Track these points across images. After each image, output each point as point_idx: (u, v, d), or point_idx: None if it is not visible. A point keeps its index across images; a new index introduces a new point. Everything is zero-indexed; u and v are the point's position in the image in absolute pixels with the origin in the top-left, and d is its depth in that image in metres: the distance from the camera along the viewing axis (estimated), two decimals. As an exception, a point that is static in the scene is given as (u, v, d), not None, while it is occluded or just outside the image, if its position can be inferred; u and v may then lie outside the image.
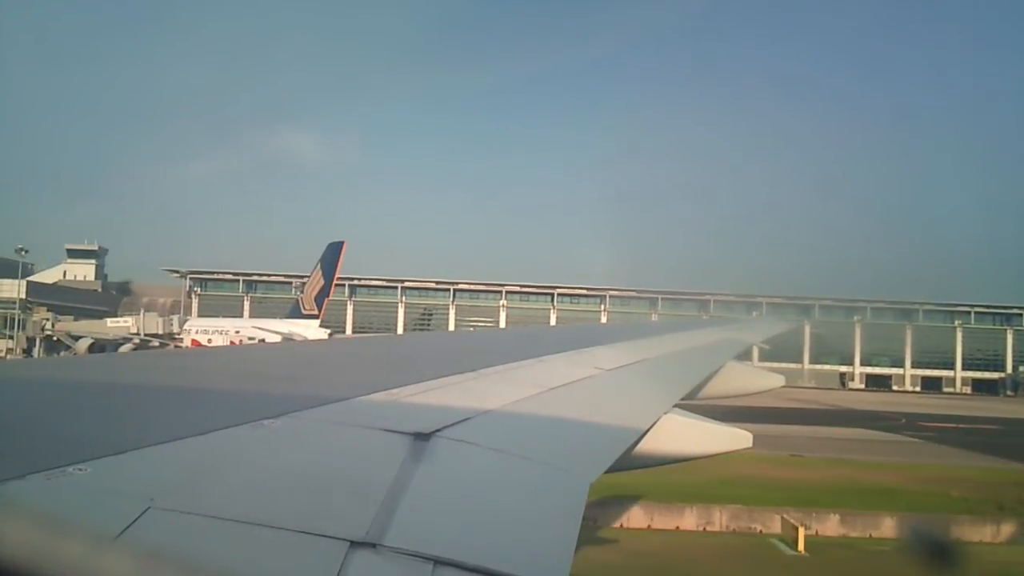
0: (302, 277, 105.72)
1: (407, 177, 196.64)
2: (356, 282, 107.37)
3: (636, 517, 27.11)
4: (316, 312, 72.75)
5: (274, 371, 4.55)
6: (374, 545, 1.79)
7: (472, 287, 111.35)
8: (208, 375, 4.08)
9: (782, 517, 25.71)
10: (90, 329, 79.64)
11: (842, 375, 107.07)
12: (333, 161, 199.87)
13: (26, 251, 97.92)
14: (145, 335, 77.09)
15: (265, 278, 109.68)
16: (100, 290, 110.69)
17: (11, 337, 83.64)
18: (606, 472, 3.24)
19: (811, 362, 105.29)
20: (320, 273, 74.15)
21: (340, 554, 1.71)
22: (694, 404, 6.55)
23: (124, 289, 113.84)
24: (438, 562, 1.79)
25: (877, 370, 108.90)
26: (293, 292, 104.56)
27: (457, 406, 3.40)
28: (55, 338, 78.28)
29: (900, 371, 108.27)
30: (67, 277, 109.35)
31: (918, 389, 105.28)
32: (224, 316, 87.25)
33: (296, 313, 74.93)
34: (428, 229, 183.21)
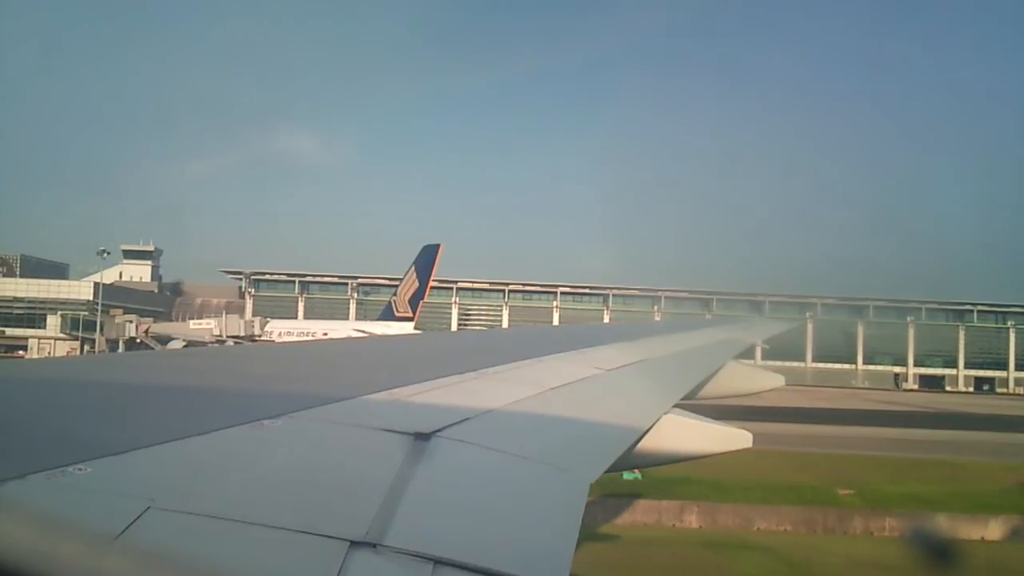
0: (357, 278, 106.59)
1: (409, 177, 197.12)
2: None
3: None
4: (410, 314, 72.32)
5: (274, 371, 4.55)
6: (374, 545, 1.79)
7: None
8: (208, 375, 4.08)
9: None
10: (174, 331, 78.59)
11: (896, 376, 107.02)
12: (335, 160, 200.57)
13: (108, 253, 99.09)
14: (227, 336, 75.88)
15: (319, 279, 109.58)
16: (156, 291, 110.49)
17: (82, 338, 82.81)
18: (606, 472, 3.24)
19: (864, 363, 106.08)
20: (415, 275, 73.90)
21: (340, 554, 1.71)
22: (697, 404, 6.55)
23: (176, 290, 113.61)
24: (438, 562, 1.79)
25: (930, 370, 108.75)
26: (348, 293, 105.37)
27: (457, 406, 3.40)
28: (139, 340, 77.05)
29: (953, 371, 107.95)
30: (123, 278, 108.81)
31: (971, 390, 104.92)
32: (279, 317, 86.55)
33: (389, 315, 74.49)
34: (432, 229, 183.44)
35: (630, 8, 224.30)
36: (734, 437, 5.26)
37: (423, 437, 2.75)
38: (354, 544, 1.77)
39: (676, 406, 5.10)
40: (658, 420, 4.45)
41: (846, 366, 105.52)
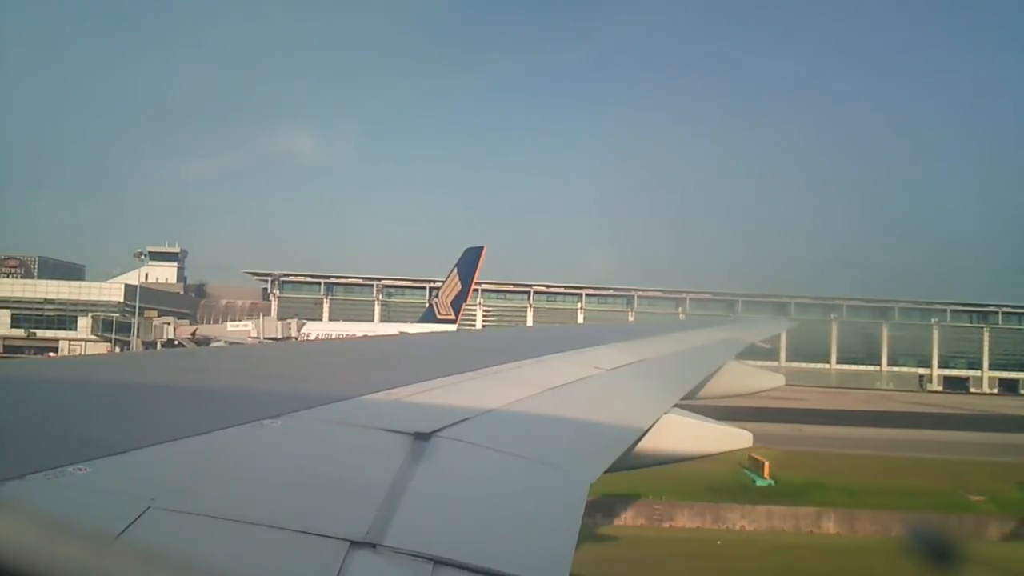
0: (381, 279, 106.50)
1: (414, 176, 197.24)
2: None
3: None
4: (452, 317, 71.91)
5: (274, 371, 4.55)
6: (374, 545, 1.79)
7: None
8: (208, 375, 4.08)
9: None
10: (213, 333, 77.85)
11: (920, 377, 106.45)
12: (342, 161, 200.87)
13: (146, 255, 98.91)
14: (265, 338, 75.25)
15: (343, 280, 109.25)
16: (181, 292, 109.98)
17: (114, 339, 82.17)
18: (606, 472, 3.24)
19: (889, 364, 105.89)
20: (457, 277, 73.47)
21: (340, 554, 1.71)
22: (701, 404, 6.56)
23: (200, 291, 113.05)
24: (438, 562, 1.79)
25: (954, 372, 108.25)
26: (373, 295, 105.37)
27: (457, 406, 3.40)
28: (176, 342, 76.04)
29: (977, 373, 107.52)
30: (148, 279, 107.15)
31: (995, 391, 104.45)
32: (303, 318, 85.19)
33: (430, 317, 74.02)
34: (440, 229, 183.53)
35: (630, 8, 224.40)
36: (734, 437, 5.27)
37: (423, 437, 2.75)
38: (354, 544, 1.77)
39: (676, 406, 5.10)
40: (658, 420, 4.45)
41: (870, 368, 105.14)
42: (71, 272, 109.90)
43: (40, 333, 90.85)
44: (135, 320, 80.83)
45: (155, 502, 1.77)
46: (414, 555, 1.79)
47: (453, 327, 69.06)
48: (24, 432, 2.33)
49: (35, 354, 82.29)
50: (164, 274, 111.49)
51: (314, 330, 75.52)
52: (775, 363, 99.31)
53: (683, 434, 4.72)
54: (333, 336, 70.66)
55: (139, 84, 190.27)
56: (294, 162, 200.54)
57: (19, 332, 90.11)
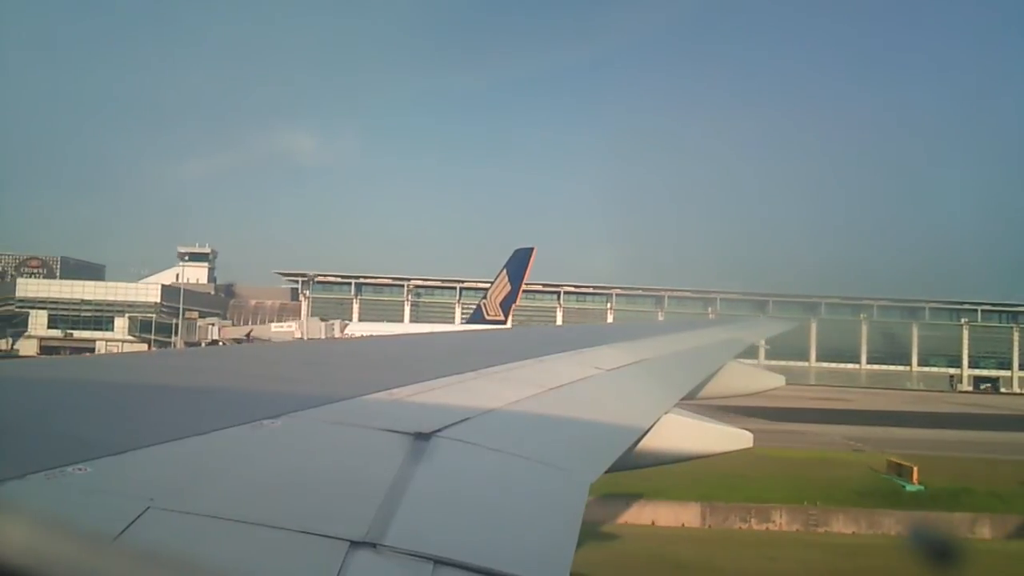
0: (411, 280, 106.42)
1: (416, 176, 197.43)
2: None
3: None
4: (502, 318, 71.68)
5: (274, 371, 4.55)
6: (374, 545, 1.79)
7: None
8: (208, 375, 4.08)
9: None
10: (258, 334, 77.62)
11: (951, 377, 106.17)
12: (338, 160, 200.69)
13: (188, 256, 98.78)
14: (309, 339, 75.81)
15: (373, 280, 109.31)
16: (212, 292, 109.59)
17: (153, 340, 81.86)
18: (606, 472, 3.24)
19: (919, 364, 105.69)
20: (506, 278, 73.31)
21: (340, 554, 1.71)
22: (707, 403, 6.55)
23: (229, 291, 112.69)
24: (438, 562, 1.79)
25: (984, 372, 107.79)
26: (404, 295, 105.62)
27: (457, 406, 3.40)
28: (221, 343, 76.00)
29: (1007, 373, 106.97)
30: (179, 280, 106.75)
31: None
32: (334, 318, 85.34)
33: (479, 318, 73.85)
34: (437, 228, 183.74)
35: (630, 8, 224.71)
36: (734, 437, 5.27)
37: (423, 437, 2.75)
38: (354, 544, 1.77)
39: (676, 406, 5.10)
40: (658, 420, 4.45)
41: (900, 368, 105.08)
42: (92, 272, 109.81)
43: (77, 334, 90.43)
44: (179, 321, 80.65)
45: (155, 502, 1.77)
46: (414, 555, 1.79)
47: (504, 328, 69.08)
48: (24, 432, 2.33)
49: (71, 355, 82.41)
50: (195, 274, 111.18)
51: (358, 331, 75.45)
52: (805, 363, 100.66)
53: (683, 434, 4.72)
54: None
55: (144, 85, 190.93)
56: (296, 161, 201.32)
57: (56, 333, 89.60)
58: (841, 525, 28.09)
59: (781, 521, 28.30)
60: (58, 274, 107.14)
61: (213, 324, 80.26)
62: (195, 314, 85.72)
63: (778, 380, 10.91)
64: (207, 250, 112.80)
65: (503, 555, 2.02)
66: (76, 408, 2.83)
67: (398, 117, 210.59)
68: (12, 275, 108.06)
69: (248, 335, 76.30)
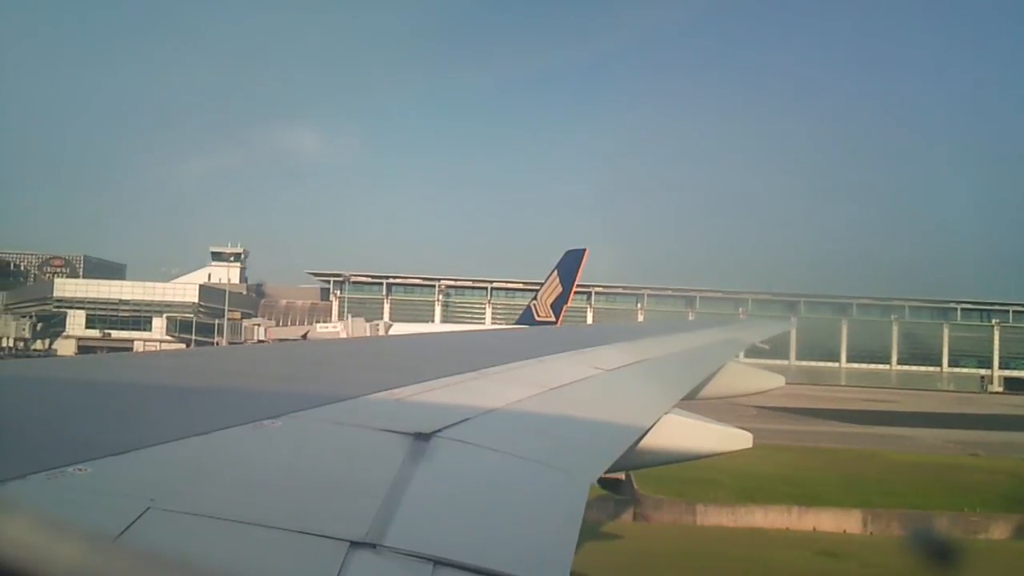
0: (441, 280, 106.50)
1: (418, 176, 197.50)
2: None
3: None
4: (553, 319, 71.37)
5: (274, 371, 4.55)
6: (374, 545, 1.79)
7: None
8: (208, 375, 4.08)
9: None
10: (302, 335, 76.62)
11: (982, 378, 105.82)
12: (338, 160, 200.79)
13: (245, 255, 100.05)
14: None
15: (404, 280, 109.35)
16: (244, 292, 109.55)
17: (194, 340, 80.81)
18: (607, 472, 3.24)
19: (949, 365, 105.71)
20: (557, 279, 72.98)
21: (340, 554, 1.71)
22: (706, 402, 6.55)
23: (259, 291, 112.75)
24: (438, 562, 1.78)
25: (1016, 373, 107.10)
26: (435, 295, 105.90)
27: (457, 406, 3.40)
28: (268, 343, 76.06)
29: None
30: (211, 280, 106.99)
31: None
32: (363, 318, 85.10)
33: (529, 319, 73.58)
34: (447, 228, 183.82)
35: (630, 8, 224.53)
36: (734, 437, 5.27)
37: (423, 437, 2.75)
38: (354, 544, 1.77)
39: (676, 406, 5.10)
40: (658, 420, 4.45)
41: (930, 369, 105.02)
42: (113, 271, 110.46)
43: (114, 334, 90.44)
44: (223, 321, 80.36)
45: (155, 502, 1.77)
46: (414, 555, 1.79)
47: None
48: (24, 432, 2.33)
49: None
50: (227, 274, 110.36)
51: (400, 332, 75.14)
52: (835, 364, 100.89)
53: (684, 434, 4.72)
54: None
55: (160, 86, 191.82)
56: (296, 160, 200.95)
57: (94, 333, 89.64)
58: (1000, 531, 27.07)
59: (943, 528, 27.08)
60: (81, 273, 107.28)
61: (259, 324, 79.72)
62: (237, 314, 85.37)
63: (778, 380, 10.91)
64: (239, 250, 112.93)
65: (503, 555, 2.02)
66: (76, 408, 2.83)
67: (399, 116, 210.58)
68: (35, 274, 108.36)
69: (305, 335, 75.11)
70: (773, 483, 27.75)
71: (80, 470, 1.90)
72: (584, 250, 74.15)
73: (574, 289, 74.11)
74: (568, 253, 74.45)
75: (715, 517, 25.99)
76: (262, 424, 2.62)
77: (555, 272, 73.97)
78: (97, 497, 1.82)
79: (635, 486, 27.88)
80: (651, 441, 4.26)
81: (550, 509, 2.63)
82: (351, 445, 2.77)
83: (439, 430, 2.88)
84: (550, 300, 73.41)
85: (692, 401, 6.74)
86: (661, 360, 7.90)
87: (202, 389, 3.49)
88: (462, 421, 3.13)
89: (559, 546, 2.20)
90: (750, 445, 5.20)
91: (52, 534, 1.12)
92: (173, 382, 3.70)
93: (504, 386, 4.28)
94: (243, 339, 76.76)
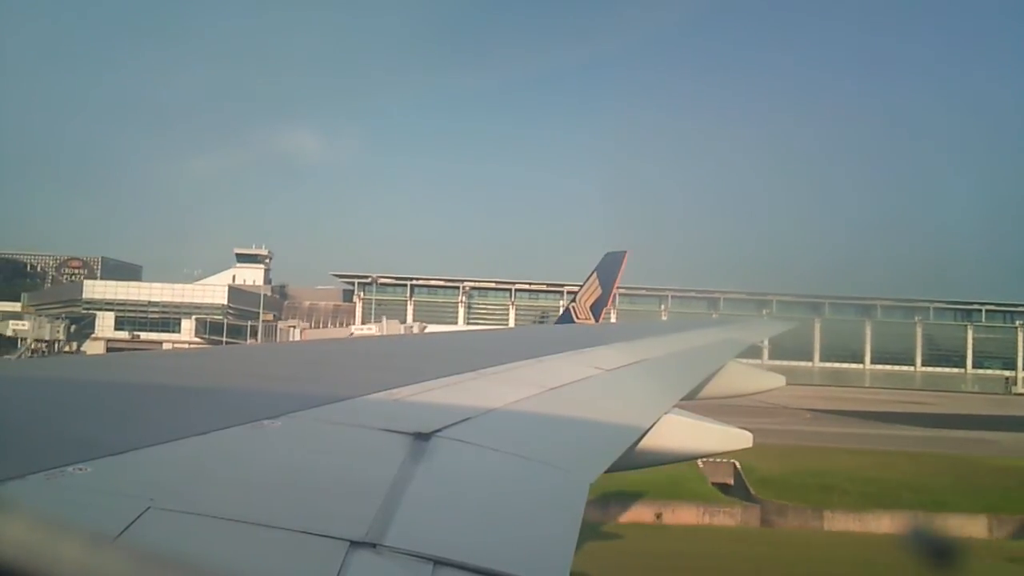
0: (465, 281, 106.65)
1: (419, 176, 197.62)
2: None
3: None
4: (592, 321, 71.46)
5: (274, 371, 4.55)
6: (374, 545, 1.79)
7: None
8: (208, 375, 4.08)
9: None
10: (340, 336, 77.73)
11: (1006, 379, 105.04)
12: (338, 160, 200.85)
13: (270, 257, 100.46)
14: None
15: (427, 282, 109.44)
16: (269, 294, 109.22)
17: (224, 342, 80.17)
18: (606, 472, 3.24)
19: (973, 367, 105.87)
20: (597, 282, 72.92)
21: (340, 554, 1.71)
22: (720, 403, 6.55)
23: (283, 293, 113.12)
24: (438, 562, 1.78)
25: None
26: (459, 296, 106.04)
27: (457, 406, 3.40)
28: None
29: None
30: (236, 281, 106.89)
31: None
32: (387, 319, 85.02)
33: (567, 321, 73.28)
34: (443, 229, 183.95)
35: (630, 8, 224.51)
36: (734, 437, 5.27)
37: (423, 437, 2.75)
38: (354, 544, 1.77)
39: (676, 406, 5.10)
40: (658, 420, 4.45)
41: (954, 370, 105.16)
42: (130, 272, 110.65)
43: (143, 336, 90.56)
44: (257, 323, 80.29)
45: (155, 502, 1.77)
46: (414, 555, 1.79)
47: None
48: (24, 432, 2.33)
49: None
50: (252, 275, 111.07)
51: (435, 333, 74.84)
52: (860, 365, 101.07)
53: (683, 434, 4.72)
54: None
55: (147, 86, 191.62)
56: (301, 162, 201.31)
57: (123, 335, 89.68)
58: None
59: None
60: (98, 274, 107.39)
61: (295, 326, 79.94)
62: (270, 316, 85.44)
63: (778, 380, 10.90)
64: (264, 251, 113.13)
65: (503, 555, 2.02)
66: (76, 408, 2.83)
67: (400, 116, 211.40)
68: (53, 275, 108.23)
69: (351, 335, 75.69)
70: (897, 489, 27.60)
71: (80, 470, 1.89)
72: (624, 252, 73.70)
73: (614, 292, 73.95)
74: (608, 255, 74.08)
75: (843, 523, 25.62)
76: (262, 424, 2.61)
77: (594, 274, 73.76)
78: (97, 497, 1.82)
79: (752, 491, 27.90)
80: (651, 441, 4.27)
81: (550, 509, 2.63)
82: (351, 445, 2.77)
83: (439, 430, 2.88)
84: (589, 302, 73.22)
85: (695, 401, 6.74)
86: (661, 360, 7.89)
87: (202, 389, 3.49)
88: (462, 421, 3.13)
89: (559, 546, 2.20)
90: (750, 445, 5.20)
91: (52, 534, 1.12)
92: (173, 382, 3.70)
93: (504, 386, 4.28)
94: (279, 341, 76.57)
